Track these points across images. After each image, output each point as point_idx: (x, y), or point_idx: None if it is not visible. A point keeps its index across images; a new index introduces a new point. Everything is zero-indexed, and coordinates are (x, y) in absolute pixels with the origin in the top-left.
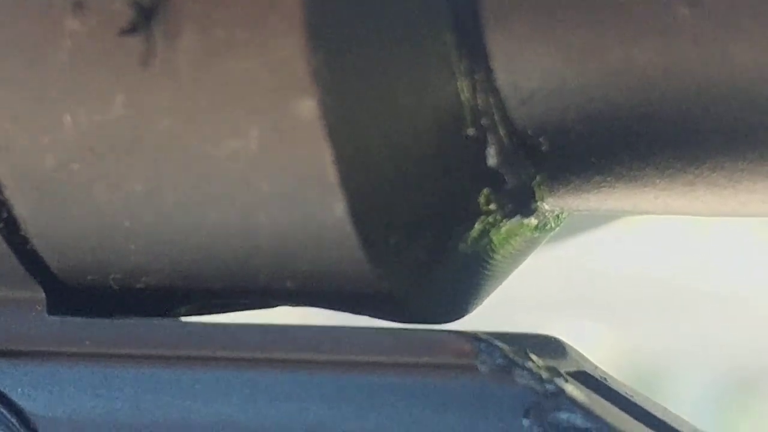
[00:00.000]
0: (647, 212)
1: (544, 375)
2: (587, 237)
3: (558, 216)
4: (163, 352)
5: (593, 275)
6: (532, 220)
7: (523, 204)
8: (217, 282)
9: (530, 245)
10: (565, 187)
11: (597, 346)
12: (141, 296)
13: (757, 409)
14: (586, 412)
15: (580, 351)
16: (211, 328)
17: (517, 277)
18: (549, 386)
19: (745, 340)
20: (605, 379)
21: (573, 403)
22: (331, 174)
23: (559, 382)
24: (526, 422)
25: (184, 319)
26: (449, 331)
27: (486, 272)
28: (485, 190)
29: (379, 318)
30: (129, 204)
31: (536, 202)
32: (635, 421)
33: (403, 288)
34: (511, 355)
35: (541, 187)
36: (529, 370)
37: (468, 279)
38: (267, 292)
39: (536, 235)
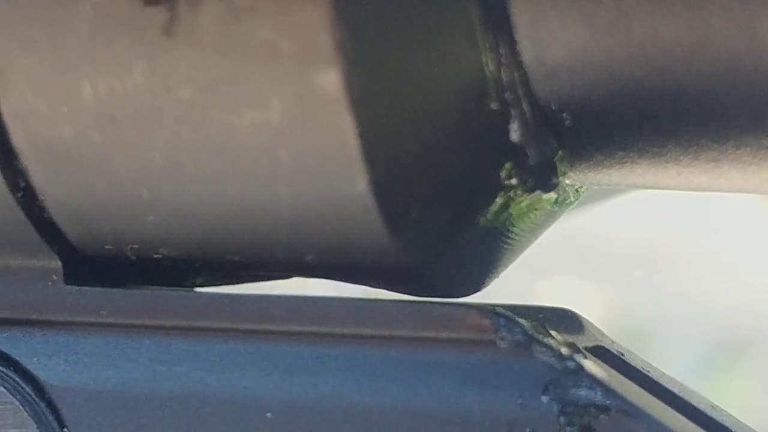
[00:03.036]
0: (669, 188)
1: (564, 351)
2: None
3: (577, 190)
4: (180, 323)
5: (582, 233)
6: (552, 195)
7: (544, 179)
8: (235, 254)
9: (549, 219)
10: (587, 162)
11: (585, 305)
12: (158, 266)
13: (746, 370)
14: (605, 389)
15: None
16: (227, 300)
17: None
18: (569, 363)
19: (735, 301)
20: (622, 354)
21: (592, 380)
22: (354, 147)
23: (579, 358)
24: (545, 398)
25: (200, 289)
26: (469, 306)
27: (505, 245)
28: (507, 165)
29: (398, 291)
30: (148, 174)
31: (558, 177)
32: (652, 397)
33: (423, 261)
34: (530, 331)
35: (563, 162)
36: (549, 347)
37: (487, 252)
38: (285, 265)
39: (556, 208)
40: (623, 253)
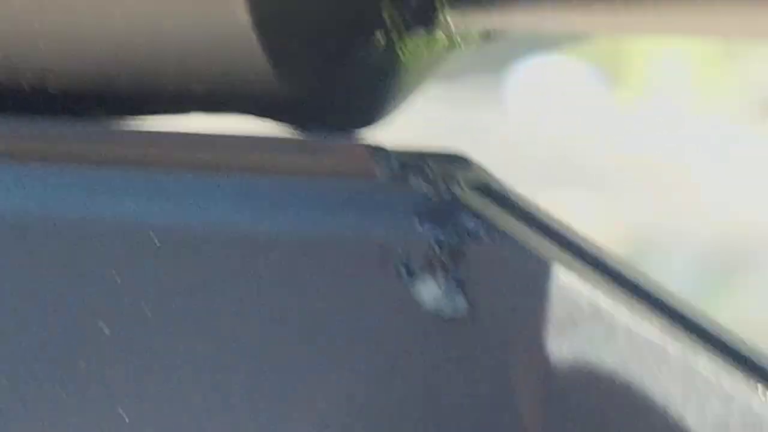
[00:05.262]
0: (553, 29)
1: (440, 182)
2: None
3: (466, 37)
4: (71, 151)
5: (583, 146)
6: (439, 35)
7: (423, 16)
8: (124, 85)
9: (438, 61)
10: (466, 2)
11: (583, 215)
12: (53, 99)
13: (740, 284)
14: (480, 218)
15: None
16: (119, 131)
17: (506, 145)
18: (444, 193)
19: (730, 216)
20: (508, 194)
21: (465, 209)
22: None
23: (455, 188)
24: (418, 225)
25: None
26: (349, 140)
27: (395, 83)
28: (386, 2)
29: (287, 123)
30: (37, 2)
31: (436, 14)
32: (531, 231)
33: (305, 92)
34: (408, 163)
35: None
36: (425, 176)
37: (377, 89)
38: (175, 96)
39: (444, 52)
40: (622, 166)
